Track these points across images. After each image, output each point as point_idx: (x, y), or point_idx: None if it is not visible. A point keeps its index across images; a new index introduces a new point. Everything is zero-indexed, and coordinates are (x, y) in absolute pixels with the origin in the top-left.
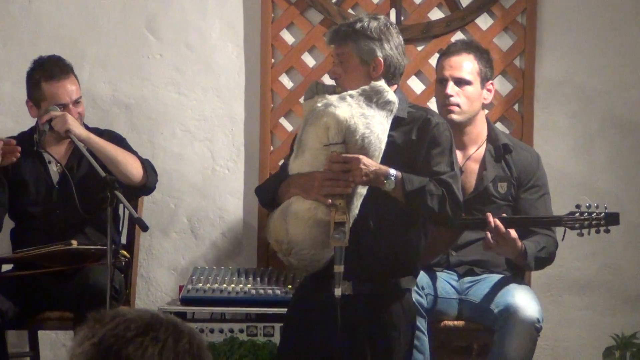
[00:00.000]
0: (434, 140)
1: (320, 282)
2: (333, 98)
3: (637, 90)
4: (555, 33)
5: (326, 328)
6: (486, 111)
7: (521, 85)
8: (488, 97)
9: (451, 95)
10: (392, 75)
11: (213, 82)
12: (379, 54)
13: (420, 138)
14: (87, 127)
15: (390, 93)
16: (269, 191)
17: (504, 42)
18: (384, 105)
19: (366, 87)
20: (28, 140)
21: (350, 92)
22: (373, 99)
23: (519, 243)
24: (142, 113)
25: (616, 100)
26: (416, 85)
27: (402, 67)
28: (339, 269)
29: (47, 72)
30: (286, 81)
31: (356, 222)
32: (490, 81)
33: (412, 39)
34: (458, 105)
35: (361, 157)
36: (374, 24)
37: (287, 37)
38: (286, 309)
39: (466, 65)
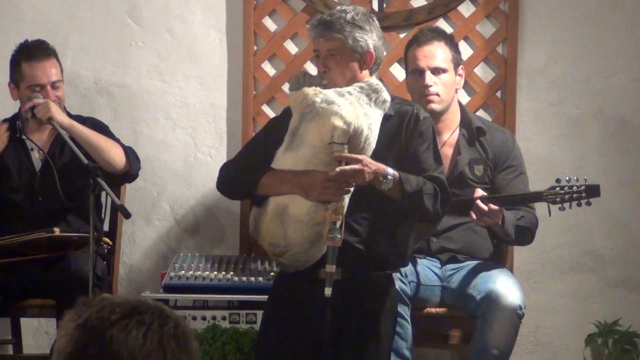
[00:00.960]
0: (421, 135)
1: (302, 270)
2: (331, 94)
3: (618, 78)
4: (537, 20)
5: (309, 315)
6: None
7: (504, 72)
8: (460, 82)
9: (430, 85)
10: (377, 66)
11: (195, 69)
12: (371, 45)
13: (409, 133)
14: (69, 115)
15: (385, 92)
16: (248, 182)
17: (486, 29)
18: (381, 104)
19: (363, 84)
20: (11, 127)
21: (347, 88)
22: (372, 97)
23: (501, 213)
24: (125, 100)
25: (598, 88)
26: (398, 72)
27: (383, 57)
28: (331, 269)
29: (28, 53)
30: (268, 68)
31: (348, 217)
32: (461, 66)
33: (394, 26)
34: (438, 95)
35: (364, 158)
36: (361, 14)
37: (270, 24)
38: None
39: (439, 53)
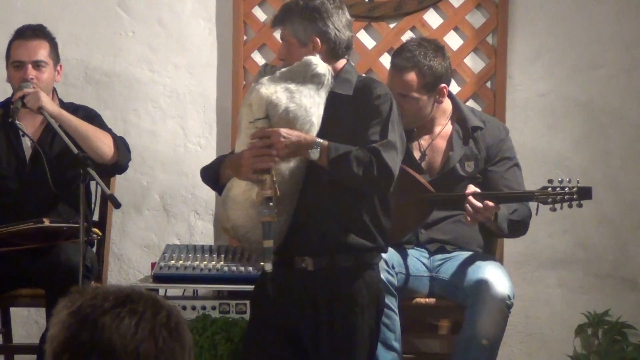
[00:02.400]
0: (374, 110)
1: (282, 259)
2: (265, 78)
3: (607, 68)
4: (527, 11)
5: (287, 305)
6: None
7: (493, 62)
8: (442, 98)
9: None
10: (337, 51)
11: (185, 59)
12: (314, 33)
13: (363, 109)
14: (62, 103)
15: (320, 66)
16: (211, 173)
17: (476, 19)
18: (312, 78)
19: (295, 63)
20: (2, 112)
21: (281, 69)
22: (301, 73)
23: (495, 209)
24: (114, 90)
25: (587, 79)
26: (388, 62)
27: (346, 41)
28: (268, 243)
29: (19, 32)
30: (258, 58)
31: (306, 197)
32: (443, 85)
33: (384, 16)
34: (404, 117)
35: (281, 129)
36: (309, 2)
37: (259, 13)
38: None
39: (408, 81)
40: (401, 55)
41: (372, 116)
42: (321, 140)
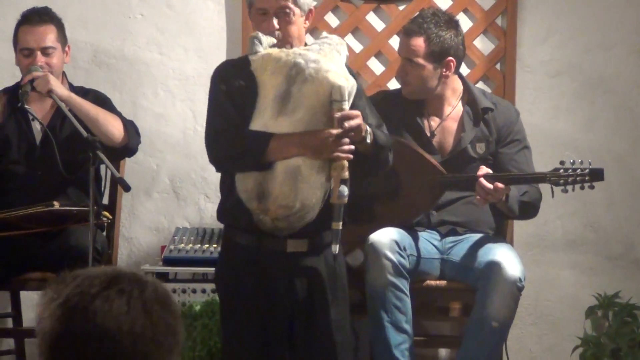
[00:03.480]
0: (358, 92)
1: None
2: (308, 53)
3: (618, 49)
4: None
5: (278, 288)
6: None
7: (503, 44)
8: (448, 72)
9: (401, 75)
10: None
11: (194, 42)
12: (312, 5)
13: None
14: (71, 86)
15: (344, 45)
16: (255, 152)
17: (485, 1)
18: (345, 57)
19: (325, 39)
20: (12, 96)
21: (313, 46)
22: (339, 50)
23: (506, 191)
24: (124, 73)
25: (597, 59)
26: (397, 45)
27: None
28: (337, 226)
29: (25, 17)
30: None
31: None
32: (450, 58)
33: None
34: (409, 84)
35: (359, 112)
36: None
37: None
38: None
39: (415, 46)
40: (413, 21)
41: (358, 98)
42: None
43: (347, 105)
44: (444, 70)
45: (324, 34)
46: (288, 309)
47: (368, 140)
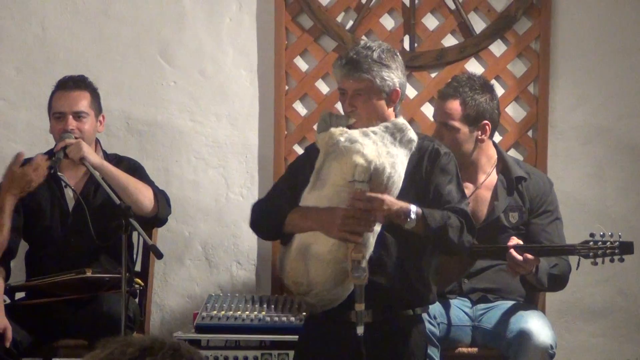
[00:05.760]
0: (443, 169)
1: (332, 311)
2: (355, 133)
3: None
4: (568, 59)
5: (342, 358)
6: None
7: (535, 111)
8: (484, 136)
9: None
10: (399, 103)
11: (227, 109)
12: (397, 83)
13: (430, 168)
14: (105, 154)
15: (411, 131)
16: (274, 220)
17: (517, 68)
18: (406, 143)
19: (388, 124)
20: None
21: (372, 128)
22: (397, 136)
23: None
24: (156, 140)
25: (629, 127)
26: (430, 112)
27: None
28: (360, 307)
29: (61, 84)
30: (300, 108)
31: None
32: (486, 121)
33: (426, 66)
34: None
35: (385, 197)
36: (386, 51)
37: (301, 64)
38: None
39: (450, 109)
40: (449, 85)
41: (441, 175)
42: (415, 208)
43: (365, 186)
44: (480, 133)
45: (394, 119)
46: None
47: (408, 226)
